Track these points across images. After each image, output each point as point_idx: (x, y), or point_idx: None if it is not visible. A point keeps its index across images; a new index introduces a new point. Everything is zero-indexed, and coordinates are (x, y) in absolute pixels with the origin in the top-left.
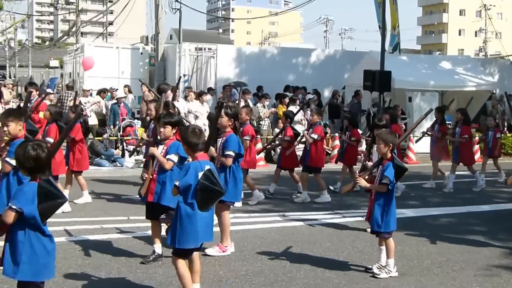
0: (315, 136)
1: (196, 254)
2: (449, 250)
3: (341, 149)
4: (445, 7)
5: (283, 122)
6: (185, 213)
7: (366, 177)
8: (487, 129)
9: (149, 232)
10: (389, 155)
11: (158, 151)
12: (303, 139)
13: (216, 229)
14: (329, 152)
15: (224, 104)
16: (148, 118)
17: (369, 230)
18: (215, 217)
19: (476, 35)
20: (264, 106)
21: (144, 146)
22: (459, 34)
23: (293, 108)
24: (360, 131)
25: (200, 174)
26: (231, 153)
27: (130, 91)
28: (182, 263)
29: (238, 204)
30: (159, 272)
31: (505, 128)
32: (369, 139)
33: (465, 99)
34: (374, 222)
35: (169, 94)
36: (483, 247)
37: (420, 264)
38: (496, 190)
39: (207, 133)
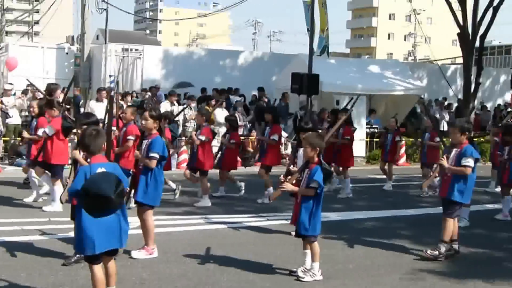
0: (203, 138)
1: (108, 258)
2: (374, 254)
3: (220, 153)
4: (375, 11)
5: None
6: (78, 219)
7: (294, 181)
8: (386, 132)
9: (72, 234)
10: (316, 158)
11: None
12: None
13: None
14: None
15: (150, 106)
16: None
17: (293, 233)
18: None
19: (405, 39)
20: (191, 108)
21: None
22: (389, 38)
23: (220, 111)
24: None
25: None
26: (156, 155)
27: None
28: (96, 268)
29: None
30: (81, 274)
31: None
32: (295, 142)
33: (394, 102)
34: (301, 225)
35: (59, 94)
36: (408, 251)
37: (345, 267)
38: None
39: None
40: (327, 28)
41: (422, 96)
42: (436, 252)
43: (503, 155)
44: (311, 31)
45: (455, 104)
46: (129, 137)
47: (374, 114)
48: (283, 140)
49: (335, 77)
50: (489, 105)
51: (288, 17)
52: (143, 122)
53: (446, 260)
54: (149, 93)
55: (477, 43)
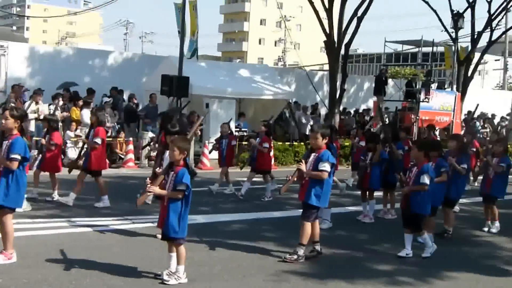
0: (98, 141)
1: None
2: (240, 256)
3: (41, 155)
4: (246, 16)
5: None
6: None
7: (159, 184)
8: (221, 137)
9: None
10: (182, 162)
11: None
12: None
13: None
14: (122, 156)
15: (11, 105)
16: None
17: (159, 236)
18: None
19: (275, 45)
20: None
21: None
22: (260, 43)
23: (86, 111)
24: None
25: None
26: (17, 156)
27: None
28: None
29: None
30: None
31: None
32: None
33: (263, 106)
34: (170, 228)
35: None
36: (273, 253)
37: (210, 270)
38: (287, 197)
39: None
40: (198, 31)
41: (290, 101)
42: (295, 256)
43: (366, 160)
44: (181, 33)
45: (323, 109)
46: None
47: (243, 118)
48: (151, 142)
49: (205, 80)
50: (353, 111)
51: (160, 19)
52: (3, 121)
53: (309, 261)
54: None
55: (343, 51)
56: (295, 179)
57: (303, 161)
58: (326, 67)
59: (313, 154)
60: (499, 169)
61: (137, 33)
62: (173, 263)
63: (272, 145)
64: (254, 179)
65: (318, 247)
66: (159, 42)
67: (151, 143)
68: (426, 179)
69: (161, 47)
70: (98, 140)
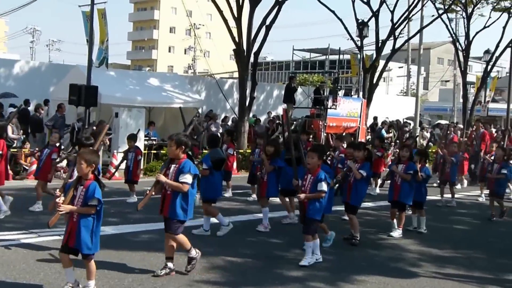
0: None
1: None
2: (152, 267)
3: None
4: (156, 23)
5: None
6: None
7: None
8: (128, 150)
9: None
10: (91, 175)
11: None
12: None
13: None
14: (27, 168)
15: None
16: None
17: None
18: None
19: (185, 53)
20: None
21: None
22: (169, 51)
23: None
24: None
25: None
26: None
27: None
28: None
29: None
30: None
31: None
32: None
33: (172, 115)
34: (83, 245)
35: None
36: (185, 262)
37: (121, 282)
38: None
39: None
40: (107, 39)
41: (199, 110)
42: (166, 270)
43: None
44: (90, 42)
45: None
46: None
47: (153, 127)
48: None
49: (114, 89)
50: (263, 118)
51: (68, 26)
52: None
53: (221, 269)
54: None
55: (252, 59)
56: (153, 193)
57: (160, 173)
58: (236, 74)
59: (173, 165)
60: (407, 177)
61: (44, 41)
62: (84, 278)
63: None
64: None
65: (171, 265)
66: (68, 50)
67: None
68: (324, 186)
69: (69, 55)
70: None
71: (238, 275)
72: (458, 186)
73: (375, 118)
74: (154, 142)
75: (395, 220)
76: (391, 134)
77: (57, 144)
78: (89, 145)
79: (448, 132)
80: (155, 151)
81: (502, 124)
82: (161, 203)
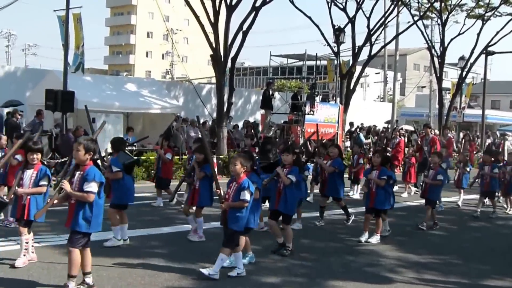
0: None
1: None
2: (130, 275)
3: None
4: (133, 28)
5: None
6: None
7: None
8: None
9: None
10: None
11: None
12: None
13: None
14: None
15: None
16: None
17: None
18: None
19: (163, 58)
20: None
21: None
22: (147, 56)
23: None
24: None
25: None
26: None
27: None
28: None
29: None
30: None
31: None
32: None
33: (151, 120)
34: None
35: None
36: (163, 269)
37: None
38: (175, 212)
39: None
40: (83, 44)
41: (178, 115)
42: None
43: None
44: (65, 47)
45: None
46: None
47: (131, 132)
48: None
49: (91, 95)
50: (240, 124)
51: (44, 31)
52: None
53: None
54: None
55: (229, 65)
56: (55, 201)
57: (65, 181)
58: (214, 80)
59: (77, 172)
60: (380, 182)
61: (19, 46)
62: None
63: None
64: (144, 194)
65: (89, 280)
66: (44, 55)
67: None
68: (246, 196)
69: (45, 60)
70: None
71: (214, 282)
72: (405, 195)
73: (351, 124)
74: (134, 148)
75: (374, 225)
76: (369, 140)
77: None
78: (37, 150)
79: (393, 136)
80: (135, 157)
81: (477, 130)
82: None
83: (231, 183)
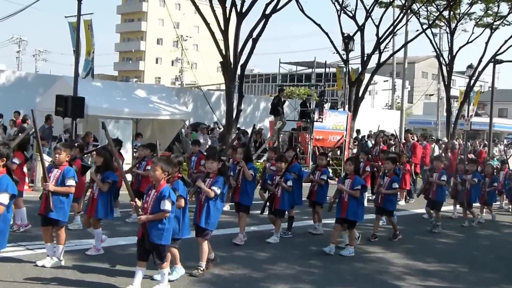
0: None
1: None
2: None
3: None
4: (143, 35)
5: None
6: None
7: None
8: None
9: None
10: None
11: None
12: None
13: None
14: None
15: None
16: None
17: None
18: None
19: (172, 64)
20: None
21: None
22: (157, 63)
23: None
24: None
25: None
26: None
27: None
28: None
29: None
30: None
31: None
32: None
33: (160, 127)
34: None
35: None
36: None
37: None
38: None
39: None
40: (93, 51)
41: (187, 122)
42: None
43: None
44: (76, 53)
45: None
46: None
47: (140, 138)
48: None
49: (101, 101)
50: (249, 130)
51: (55, 36)
52: None
53: (206, 282)
54: None
55: (239, 71)
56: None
57: None
58: (223, 86)
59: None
60: (355, 193)
61: (30, 51)
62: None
63: None
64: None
65: None
66: (54, 60)
67: None
68: (167, 205)
69: (56, 65)
70: None
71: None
72: (401, 202)
73: (358, 131)
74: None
75: (346, 236)
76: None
77: None
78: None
79: (377, 142)
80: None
81: (484, 138)
82: None
83: (149, 190)
